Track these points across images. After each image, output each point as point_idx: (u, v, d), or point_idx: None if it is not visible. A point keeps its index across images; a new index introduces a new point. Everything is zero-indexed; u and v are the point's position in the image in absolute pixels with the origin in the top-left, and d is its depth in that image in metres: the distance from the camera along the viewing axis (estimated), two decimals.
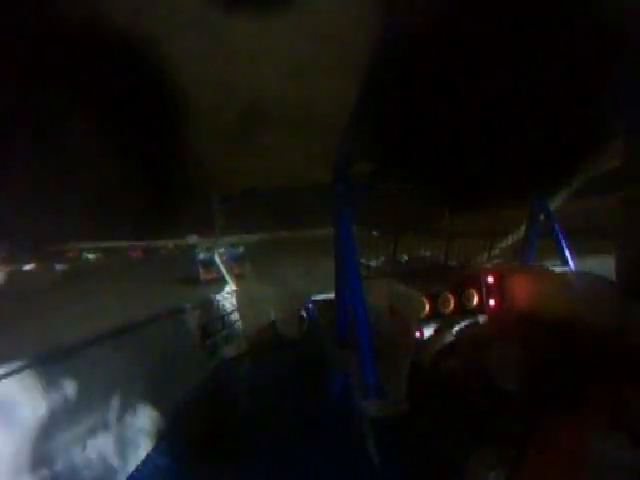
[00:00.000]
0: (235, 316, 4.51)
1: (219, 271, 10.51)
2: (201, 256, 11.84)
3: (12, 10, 0.81)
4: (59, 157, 1.47)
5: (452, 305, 2.11)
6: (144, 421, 2.47)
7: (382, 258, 3.01)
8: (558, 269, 2.90)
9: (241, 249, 12.67)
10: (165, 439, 2.51)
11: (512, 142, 1.82)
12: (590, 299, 2.11)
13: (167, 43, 0.92)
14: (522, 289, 2.20)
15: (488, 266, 2.90)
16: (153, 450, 2.38)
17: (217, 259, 9.69)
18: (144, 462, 2.27)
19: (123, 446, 2.21)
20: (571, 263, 2.88)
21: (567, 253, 2.88)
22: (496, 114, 1.48)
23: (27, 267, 18.09)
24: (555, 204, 2.81)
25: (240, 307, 4.65)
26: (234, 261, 11.62)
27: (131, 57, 0.95)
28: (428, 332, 2.01)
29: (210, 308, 4.06)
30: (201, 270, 11.65)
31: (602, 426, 0.96)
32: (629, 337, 1.89)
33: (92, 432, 2.02)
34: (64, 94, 1.07)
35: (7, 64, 0.93)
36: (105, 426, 2.13)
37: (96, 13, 0.82)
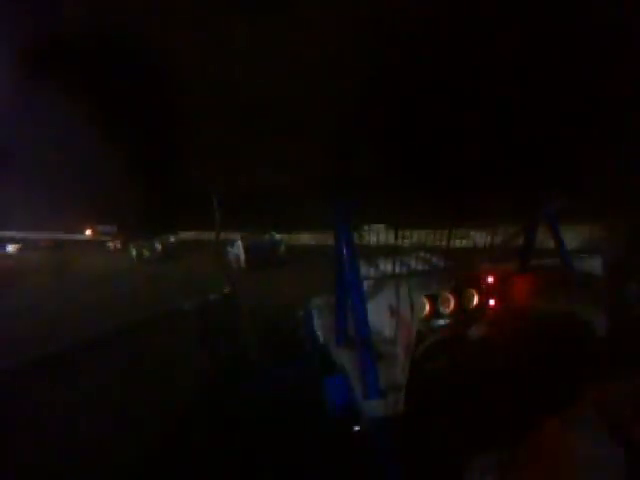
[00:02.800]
0: (236, 316, 4.50)
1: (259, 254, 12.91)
2: (244, 243, 13.67)
3: (14, 9, 0.81)
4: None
5: (452, 305, 2.10)
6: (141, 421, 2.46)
7: (382, 257, 3.01)
8: (558, 269, 2.91)
9: (278, 237, 14.97)
10: (165, 440, 2.51)
11: (513, 143, 1.82)
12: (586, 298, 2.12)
13: (168, 43, 0.92)
14: (522, 289, 2.20)
15: (488, 266, 2.90)
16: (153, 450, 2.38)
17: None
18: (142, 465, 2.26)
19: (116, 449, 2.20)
20: (571, 263, 2.88)
21: (566, 253, 2.88)
22: (497, 115, 1.48)
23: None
24: (555, 205, 2.80)
25: (241, 307, 4.65)
26: (273, 246, 14.14)
27: (132, 58, 0.95)
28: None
29: (210, 308, 4.05)
30: (244, 255, 13.43)
31: (587, 426, 0.96)
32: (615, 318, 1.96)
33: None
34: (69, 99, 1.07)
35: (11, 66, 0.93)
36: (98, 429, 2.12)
37: (97, 14, 0.82)
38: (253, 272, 11.94)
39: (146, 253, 17.16)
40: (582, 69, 1.16)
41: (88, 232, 20.38)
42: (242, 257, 13.25)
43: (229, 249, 13.77)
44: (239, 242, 13.63)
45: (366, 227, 3.18)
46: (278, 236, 14.97)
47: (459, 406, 1.88)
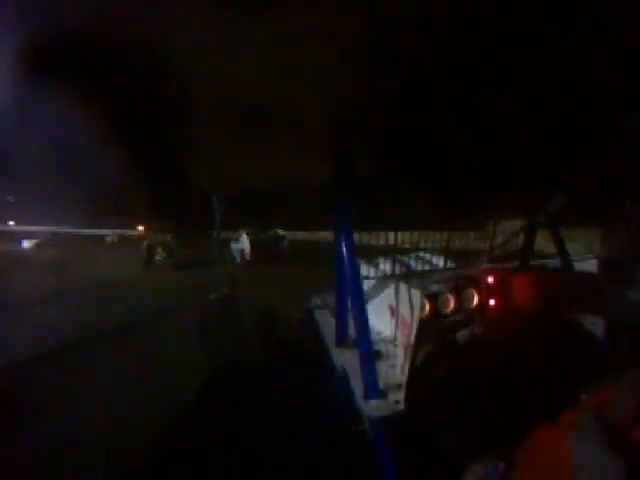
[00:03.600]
0: (235, 315, 4.50)
1: (263, 248, 13.52)
2: (251, 237, 14.24)
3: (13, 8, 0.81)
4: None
5: (452, 305, 2.11)
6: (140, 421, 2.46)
7: (382, 258, 3.01)
8: (558, 269, 2.91)
9: (281, 232, 15.52)
10: (165, 436, 2.51)
11: (512, 142, 1.82)
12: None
13: (167, 43, 0.92)
14: (522, 289, 2.20)
15: (488, 266, 2.90)
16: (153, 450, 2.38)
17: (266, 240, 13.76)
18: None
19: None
20: (571, 262, 2.88)
21: (567, 253, 2.89)
22: (497, 113, 1.48)
23: None
24: (555, 204, 2.81)
25: (241, 306, 4.65)
26: (276, 242, 14.77)
27: (131, 57, 0.95)
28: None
29: (210, 307, 4.05)
30: (250, 248, 14.07)
31: (586, 430, 0.95)
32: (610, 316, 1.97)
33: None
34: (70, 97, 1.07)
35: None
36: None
37: (96, 12, 0.82)
38: (258, 265, 12.28)
39: (159, 256, 12.30)
40: (583, 68, 1.16)
41: (140, 228, 19.64)
42: (247, 251, 13.83)
43: (232, 245, 14.28)
44: (244, 237, 14.16)
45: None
46: (281, 232, 15.57)
47: (459, 406, 1.88)
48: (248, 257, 13.77)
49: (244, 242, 14.15)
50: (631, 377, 1.06)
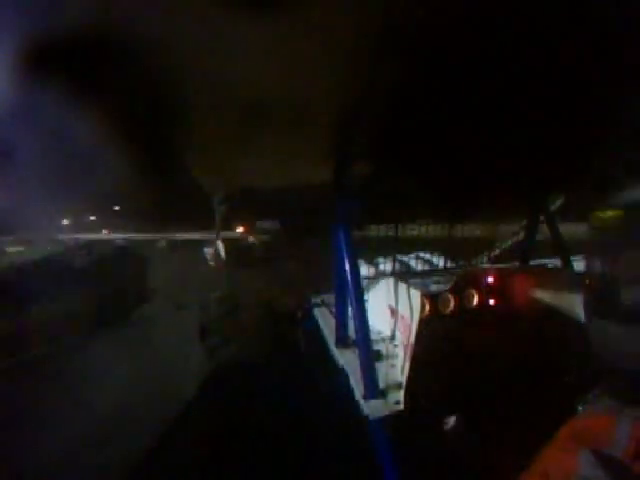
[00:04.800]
0: (235, 315, 4.51)
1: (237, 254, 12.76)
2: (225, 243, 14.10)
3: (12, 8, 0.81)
4: None
5: (452, 305, 2.11)
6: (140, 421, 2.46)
7: (382, 258, 3.01)
8: (558, 269, 2.91)
9: (252, 239, 14.83)
10: (165, 438, 2.51)
11: (512, 142, 1.82)
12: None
13: (167, 43, 0.92)
14: (522, 289, 2.20)
15: (488, 266, 2.90)
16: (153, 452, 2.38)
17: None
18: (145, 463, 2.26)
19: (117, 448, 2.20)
20: (571, 263, 2.88)
21: (567, 253, 2.89)
22: (497, 113, 1.48)
23: None
24: (555, 205, 2.81)
25: (240, 306, 4.65)
26: (249, 248, 14.23)
27: (131, 57, 0.95)
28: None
29: (210, 307, 4.06)
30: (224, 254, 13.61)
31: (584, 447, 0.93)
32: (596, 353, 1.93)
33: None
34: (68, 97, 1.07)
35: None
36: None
37: (96, 12, 0.82)
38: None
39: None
40: (583, 69, 1.17)
41: (240, 229, 17.66)
42: (222, 256, 14.21)
43: (205, 249, 14.56)
44: (219, 242, 14.45)
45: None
46: (251, 238, 15.96)
47: (458, 406, 1.88)
48: (223, 262, 14.24)
49: (218, 247, 14.54)
50: (628, 411, 1.01)
